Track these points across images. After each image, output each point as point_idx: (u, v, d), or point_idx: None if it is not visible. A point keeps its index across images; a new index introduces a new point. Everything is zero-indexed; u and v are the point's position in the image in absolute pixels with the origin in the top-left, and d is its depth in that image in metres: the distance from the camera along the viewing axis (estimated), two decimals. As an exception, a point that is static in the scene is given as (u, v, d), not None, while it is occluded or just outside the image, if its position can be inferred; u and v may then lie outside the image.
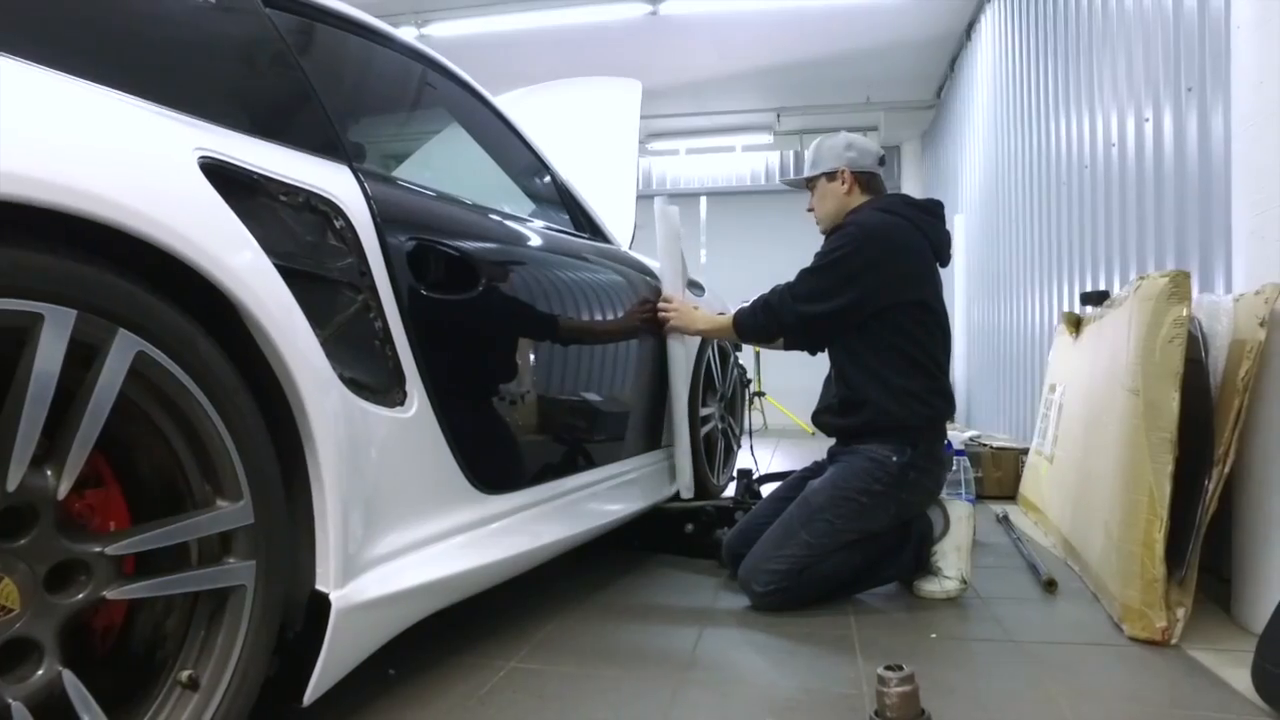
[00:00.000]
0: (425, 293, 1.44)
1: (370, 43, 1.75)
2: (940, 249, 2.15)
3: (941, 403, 2.05)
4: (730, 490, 3.41)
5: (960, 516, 2.04)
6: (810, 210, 2.28)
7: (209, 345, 0.96)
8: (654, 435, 2.57)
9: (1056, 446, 2.85)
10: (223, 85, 1.31)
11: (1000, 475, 3.58)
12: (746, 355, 3.42)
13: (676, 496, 2.61)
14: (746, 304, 2.29)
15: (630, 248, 2.73)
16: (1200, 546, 1.64)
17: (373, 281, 1.31)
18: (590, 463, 2.10)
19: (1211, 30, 2.21)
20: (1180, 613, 1.64)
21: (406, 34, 6.07)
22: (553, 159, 2.32)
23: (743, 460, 3.55)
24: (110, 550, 0.86)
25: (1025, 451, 3.54)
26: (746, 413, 3.76)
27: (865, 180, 2.19)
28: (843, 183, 2.18)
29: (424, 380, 1.41)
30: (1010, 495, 3.51)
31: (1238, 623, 1.76)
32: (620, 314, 2.26)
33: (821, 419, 2.18)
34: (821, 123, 8.30)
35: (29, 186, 0.77)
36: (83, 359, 0.84)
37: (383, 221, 1.37)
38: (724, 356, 3.25)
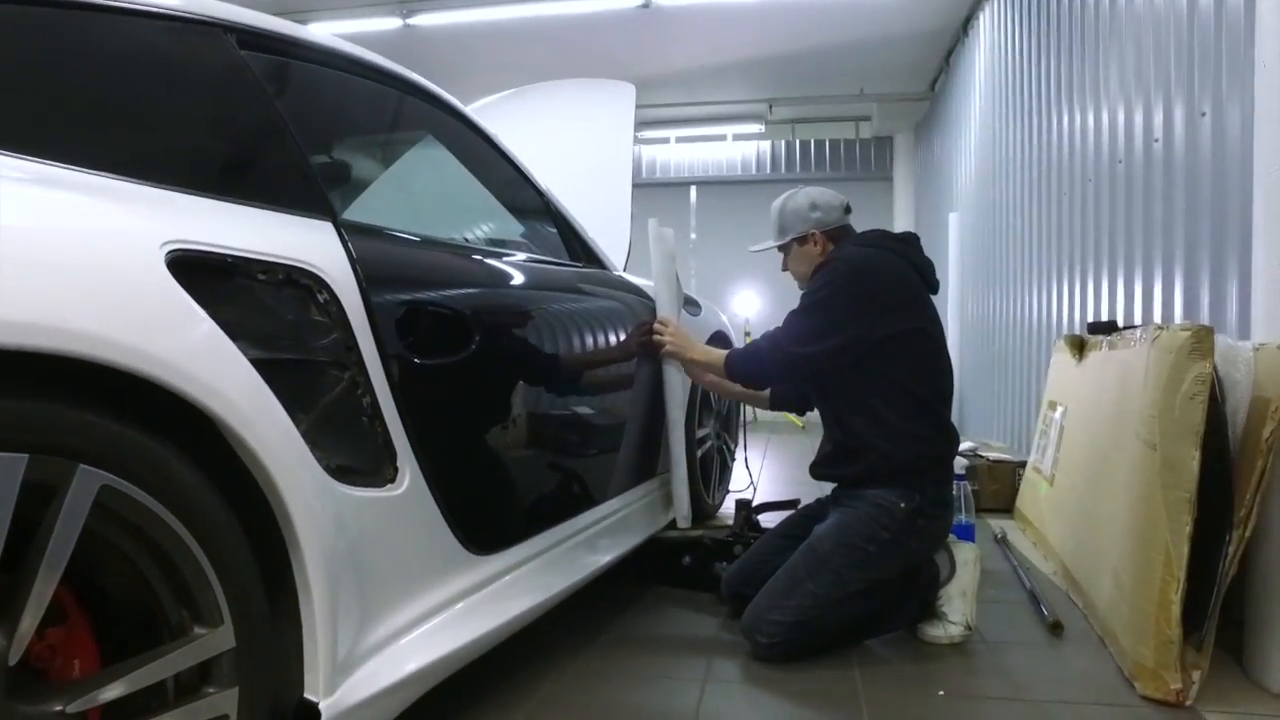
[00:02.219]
0: (415, 360, 1.36)
1: (354, 76, 1.64)
2: (927, 276, 2.10)
3: (945, 442, 2.00)
4: (726, 502, 3.37)
5: (967, 560, 1.99)
6: (785, 271, 2.26)
7: (182, 466, 0.88)
8: (650, 464, 2.50)
9: (1057, 469, 2.80)
10: (195, 147, 1.22)
11: (997, 488, 3.55)
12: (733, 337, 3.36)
13: (674, 523, 2.55)
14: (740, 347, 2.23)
15: (625, 268, 2.65)
16: (1219, 610, 1.59)
17: (360, 356, 1.23)
18: (588, 503, 2.03)
19: (1230, 52, 2.13)
20: (1196, 675, 1.60)
21: (390, 24, 5.90)
22: (545, 179, 2.23)
23: (738, 475, 3.50)
24: (72, 709, 0.78)
25: (1022, 465, 3.51)
26: (742, 425, 3.70)
27: (836, 236, 2.16)
28: (815, 244, 2.16)
29: (415, 451, 1.33)
30: (1006, 508, 3.48)
31: (1251, 677, 1.72)
32: (616, 347, 2.19)
33: (819, 471, 2.12)
34: (814, 113, 8.23)
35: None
36: (39, 500, 0.76)
37: (369, 285, 1.28)
38: (720, 373, 3.18)
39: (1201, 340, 1.59)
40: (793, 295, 2.20)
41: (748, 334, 7.94)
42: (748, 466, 3.33)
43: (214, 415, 0.90)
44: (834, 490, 2.12)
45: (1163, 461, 1.63)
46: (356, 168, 1.90)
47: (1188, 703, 1.60)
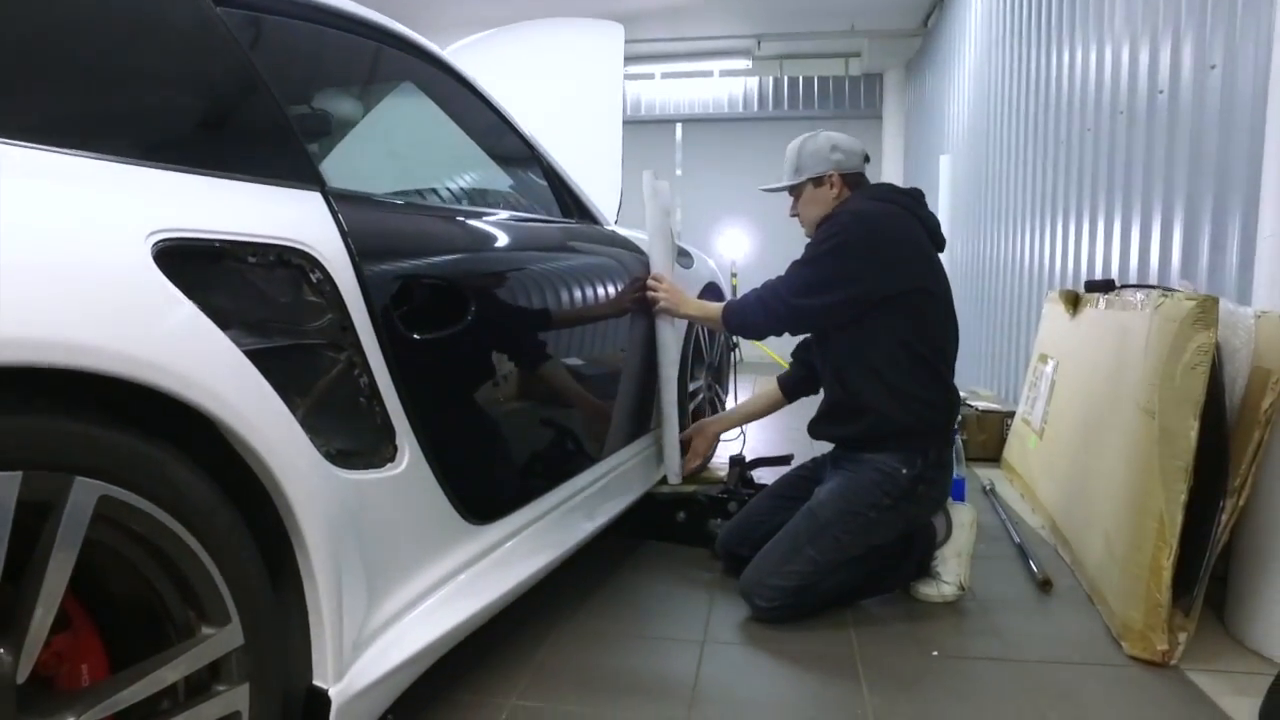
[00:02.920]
0: (411, 334, 1.32)
1: (332, 29, 1.55)
2: (934, 234, 2.06)
3: (947, 406, 1.99)
4: (718, 452, 3.38)
5: (963, 523, 2.01)
6: (794, 215, 2.17)
7: (180, 468, 0.85)
8: (643, 420, 2.49)
9: (1047, 423, 2.83)
10: (171, 117, 1.15)
11: (985, 438, 3.59)
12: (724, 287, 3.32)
13: (665, 478, 2.56)
14: (737, 297, 2.19)
15: (616, 220, 2.60)
16: (1209, 576, 1.62)
17: (356, 337, 1.19)
18: (585, 464, 2.02)
19: (1246, 1, 2.06)
20: (1182, 637, 1.64)
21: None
22: (530, 127, 2.15)
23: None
24: (85, 720, 0.77)
25: (1010, 415, 3.54)
26: (733, 375, 3.70)
27: (853, 182, 2.09)
28: (831, 187, 2.08)
29: (413, 427, 1.31)
30: (994, 458, 3.52)
31: (1231, 633, 1.77)
32: (611, 307, 2.15)
33: (819, 430, 2.10)
34: (803, 49, 8.01)
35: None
36: (37, 516, 0.73)
37: (361, 259, 1.23)
38: (712, 325, 3.15)
39: (1206, 311, 1.58)
40: (781, 236, 2.15)
41: (734, 275, 7.87)
42: (739, 419, 3.33)
43: (214, 417, 0.87)
44: (833, 451, 2.12)
45: (1161, 430, 1.64)
46: (339, 126, 1.82)
47: (1172, 662, 1.64)
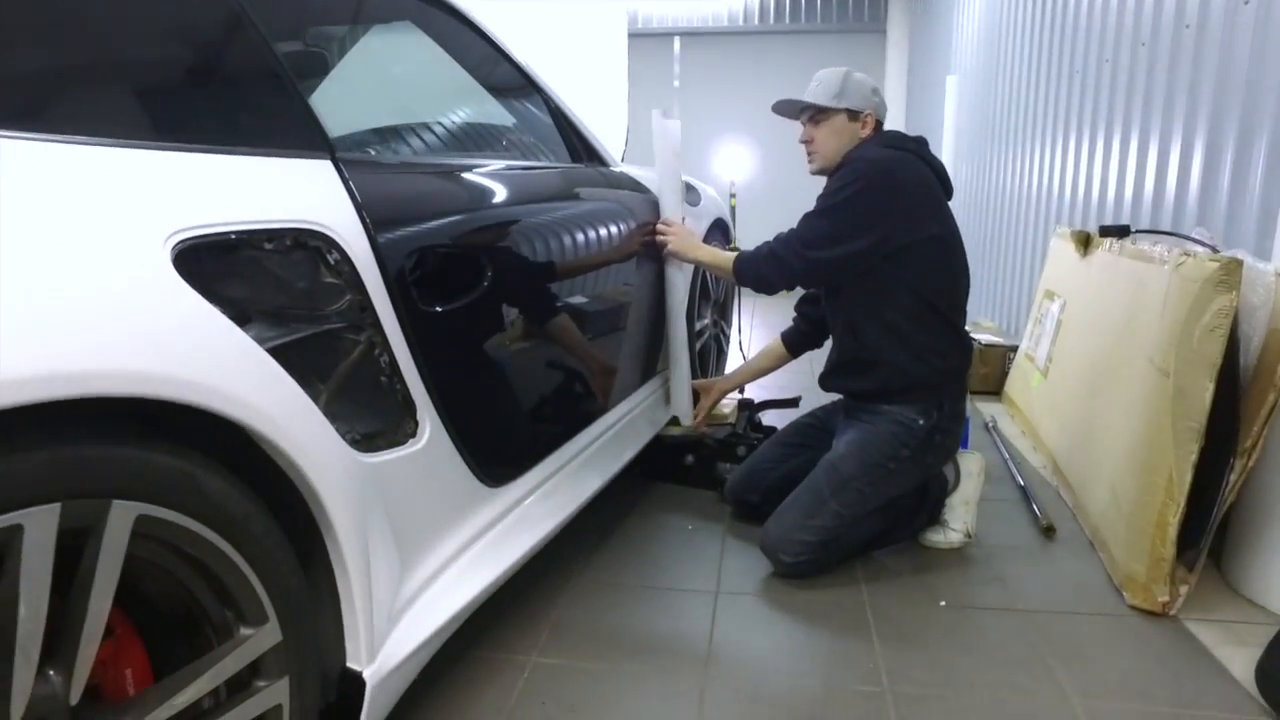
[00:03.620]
0: (429, 305, 1.30)
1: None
2: (943, 179, 2.02)
3: (960, 356, 1.99)
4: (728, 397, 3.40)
5: (971, 471, 2.04)
6: (804, 143, 2.06)
7: (212, 478, 0.84)
8: (652, 363, 2.49)
9: (1052, 363, 2.84)
10: (165, 81, 1.08)
11: (987, 371, 3.60)
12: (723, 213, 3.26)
13: (675, 418, 2.58)
14: (750, 249, 2.15)
15: (623, 158, 2.53)
16: (1213, 535, 1.65)
17: (375, 316, 1.16)
18: (597, 414, 2.03)
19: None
20: (1183, 589, 1.69)
21: None
22: (533, 61, 2.06)
23: (733, 358, 3.51)
24: (134, 732, 0.78)
25: (1013, 349, 3.55)
26: (738, 308, 3.68)
27: (878, 130, 2.05)
28: (864, 126, 2.01)
29: (433, 400, 1.30)
30: (995, 391, 3.55)
31: (1228, 580, 1.82)
32: (622, 253, 2.11)
33: (831, 382, 2.10)
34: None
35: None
36: (77, 538, 0.73)
37: (376, 230, 1.19)
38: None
39: (1229, 273, 1.56)
40: (781, 155, 2.08)
41: (733, 196, 7.74)
42: (743, 352, 3.33)
43: (248, 427, 0.85)
44: (844, 401, 2.12)
45: (1175, 390, 1.64)
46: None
47: (1171, 612, 1.70)
